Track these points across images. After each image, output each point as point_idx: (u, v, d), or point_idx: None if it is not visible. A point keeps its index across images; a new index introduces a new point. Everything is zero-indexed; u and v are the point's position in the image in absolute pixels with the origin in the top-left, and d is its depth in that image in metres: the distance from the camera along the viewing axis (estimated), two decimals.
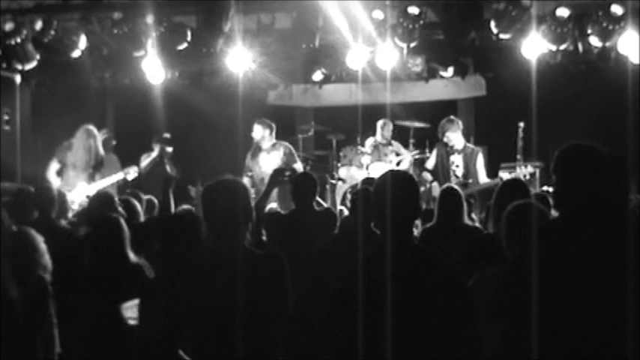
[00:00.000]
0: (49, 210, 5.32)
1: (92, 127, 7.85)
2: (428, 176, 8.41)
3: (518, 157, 8.03)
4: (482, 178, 8.05)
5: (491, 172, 8.18)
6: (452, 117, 8.41)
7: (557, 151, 2.73)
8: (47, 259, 3.83)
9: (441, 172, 8.30)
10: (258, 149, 8.58)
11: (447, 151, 8.25)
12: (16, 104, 8.79)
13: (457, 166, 8.21)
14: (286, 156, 8.43)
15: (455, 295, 2.75)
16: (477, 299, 2.83)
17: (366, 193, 4.31)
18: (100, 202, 5.28)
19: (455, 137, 8.12)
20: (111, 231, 4.07)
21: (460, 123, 8.24)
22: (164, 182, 4.95)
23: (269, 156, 8.48)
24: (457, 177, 8.18)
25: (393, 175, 2.99)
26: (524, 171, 7.64)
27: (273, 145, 8.55)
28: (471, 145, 8.34)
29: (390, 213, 2.79)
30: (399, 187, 2.87)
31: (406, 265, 2.74)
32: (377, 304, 2.68)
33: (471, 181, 8.13)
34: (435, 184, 8.13)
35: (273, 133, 8.58)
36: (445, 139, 8.14)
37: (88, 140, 7.76)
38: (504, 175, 7.73)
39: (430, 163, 8.51)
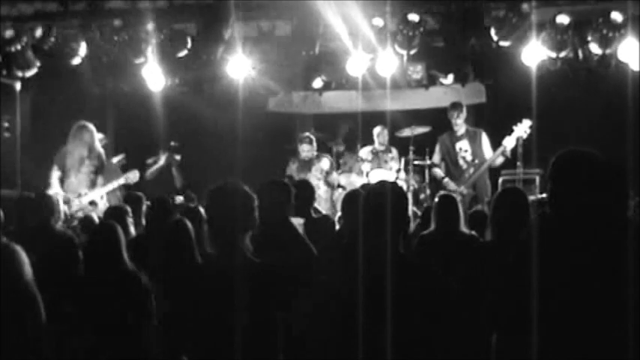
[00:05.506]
0: (49, 217, 5.31)
1: (87, 123, 7.75)
2: (439, 172, 8.40)
3: (518, 163, 8.02)
4: (488, 155, 8.16)
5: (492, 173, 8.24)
6: (455, 100, 8.47)
7: (554, 156, 2.71)
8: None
9: (450, 162, 8.34)
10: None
11: (452, 139, 8.28)
12: (16, 111, 8.80)
13: (465, 151, 8.25)
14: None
15: (442, 302, 2.73)
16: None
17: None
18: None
19: (460, 122, 8.19)
20: (108, 238, 4.05)
21: (464, 107, 8.31)
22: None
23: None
24: (467, 162, 8.20)
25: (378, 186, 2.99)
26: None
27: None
28: (472, 128, 8.38)
29: (374, 223, 2.77)
30: (384, 197, 2.84)
31: (393, 275, 2.71)
32: (366, 313, 2.67)
33: (477, 161, 8.15)
34: (447, 179, 8.20)
35: None
36: (455, 127, 8.18)
37: (84, 135, 7.64)
38: (507, 142, 7.87)
39: (436, 157, 8.51)
